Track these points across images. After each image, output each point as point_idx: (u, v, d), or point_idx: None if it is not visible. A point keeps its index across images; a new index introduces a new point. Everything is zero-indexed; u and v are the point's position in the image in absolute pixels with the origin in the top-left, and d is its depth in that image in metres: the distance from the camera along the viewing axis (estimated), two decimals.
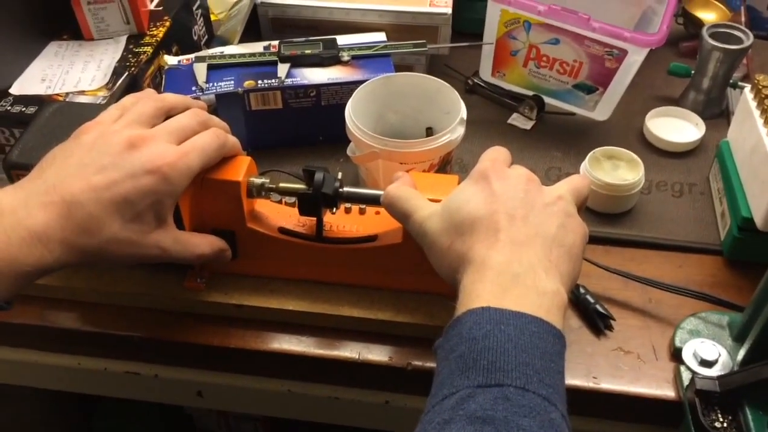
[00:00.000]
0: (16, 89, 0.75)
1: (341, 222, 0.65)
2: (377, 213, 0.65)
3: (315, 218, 0.62)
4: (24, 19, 0.78)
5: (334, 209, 0.61)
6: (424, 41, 0.83)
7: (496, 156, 0.55)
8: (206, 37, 0.96)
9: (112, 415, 1.25)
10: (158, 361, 0.67)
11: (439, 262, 0.52)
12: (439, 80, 0.73)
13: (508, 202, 0.50)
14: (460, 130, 0.69)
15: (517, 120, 0.88)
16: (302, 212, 0.61)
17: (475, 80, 0.91)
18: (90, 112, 0.64)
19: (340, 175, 0.60)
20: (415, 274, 0.63)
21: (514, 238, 0.49)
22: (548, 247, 0.49)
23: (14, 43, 0.77)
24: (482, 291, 0.47)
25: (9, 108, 0.73)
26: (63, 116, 0.63)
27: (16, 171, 0.59)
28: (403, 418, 0.68)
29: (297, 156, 0.81)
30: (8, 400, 1.04)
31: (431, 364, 0.61)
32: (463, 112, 0.69)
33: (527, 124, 0.87)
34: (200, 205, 0.61)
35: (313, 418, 0.72)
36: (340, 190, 0.59)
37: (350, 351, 0.62)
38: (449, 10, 0.87)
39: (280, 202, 0.67)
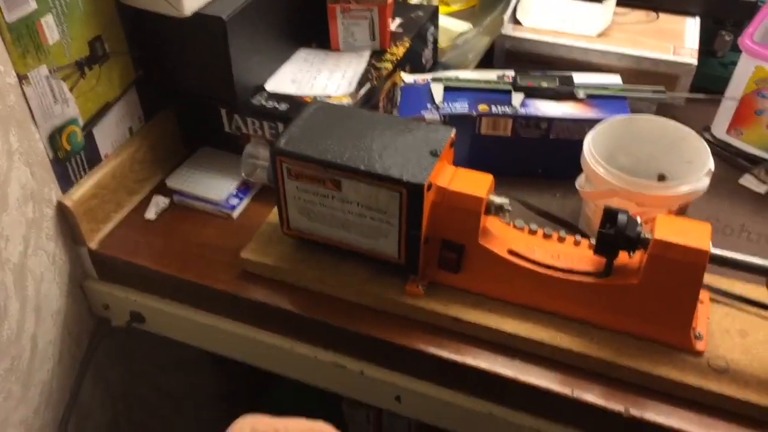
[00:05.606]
0: (270, 86, 0.82)
1: (570, 252, 0.64)
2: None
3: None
4: (282, 25, 0.85)
5: (632, 253, 0.59)
6: (663, 88, 0.81)
7: None
8: (432, 62, 1.00)
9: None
10: (366, 359, 0.69)
11: None
12: (687, 128, 0.71)
13: None
14: (706, 182, 0.67)
15: (749, 181, 0.83)
16: (597, 251, 0.60)
17: (706, 135, 0.87)
18: (344, 113, 0.69)
19: (639, 220, 0.59)
20: (646, 319, 0.61)
21: None
22: None
23: (272, 45, 0.84)
24: None
25: (264, 103, 0.80)
26: (322, 114, 0.68)
27: (280, 157, 0.64)
28: None
29: (515, 184, 0.81)
30: (193, 370, 1.12)
31: (650, 416, 0.59)
32: (711, 164, 0.67)
33: (761, 188, 0.82)
34: (438, 214, 0.63)
35: None
36: (642, 236, 0.58)
37: (562, 385, 0.61)
38: (695, 62, 0.85)
39: (509, 224, 0.67)
